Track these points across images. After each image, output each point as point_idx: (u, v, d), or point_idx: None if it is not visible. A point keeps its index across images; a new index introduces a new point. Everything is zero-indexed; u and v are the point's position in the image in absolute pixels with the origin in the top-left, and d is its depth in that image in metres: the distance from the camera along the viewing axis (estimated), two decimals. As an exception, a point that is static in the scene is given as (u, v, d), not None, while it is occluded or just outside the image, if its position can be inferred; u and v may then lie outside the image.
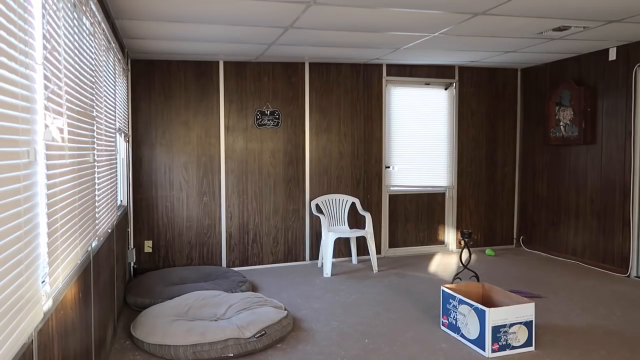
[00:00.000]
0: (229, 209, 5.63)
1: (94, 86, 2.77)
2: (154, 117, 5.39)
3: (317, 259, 5.86)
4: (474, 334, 3.36)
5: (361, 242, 5.84)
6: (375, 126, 6.07)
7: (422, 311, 4.12)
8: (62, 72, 1.97)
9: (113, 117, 3.77)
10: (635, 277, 5.01)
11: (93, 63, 2.77)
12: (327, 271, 5.27)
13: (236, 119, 5.62)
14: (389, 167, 6.17)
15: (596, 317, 3.94)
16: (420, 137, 6.27)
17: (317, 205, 5.80)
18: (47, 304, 1.69)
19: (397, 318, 3.97)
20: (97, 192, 2.85)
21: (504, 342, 3.28)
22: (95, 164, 2.81)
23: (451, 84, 6.31)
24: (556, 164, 6.00)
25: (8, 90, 1.33)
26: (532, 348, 3.34)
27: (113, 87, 3.79)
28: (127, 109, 5.10)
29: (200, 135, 5.53)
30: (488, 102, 6.45)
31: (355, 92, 5.99)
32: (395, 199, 6.22)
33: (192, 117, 5.50)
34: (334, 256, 5.70)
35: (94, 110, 2.78)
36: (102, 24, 3.16)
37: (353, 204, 5.88)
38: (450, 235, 6.42)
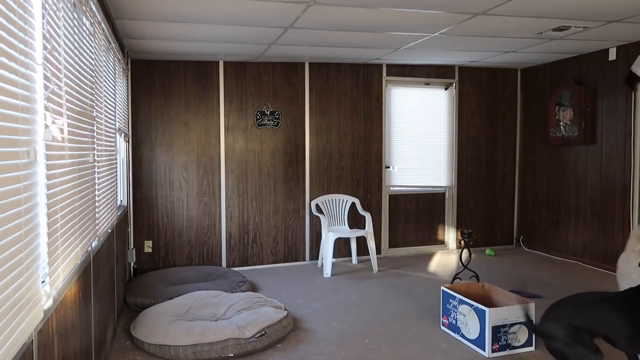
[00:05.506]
0: (229, 209, 5.63)
1: (94, 86, 2.77)
2: (154, 117, 5.39)
3: (317, 259, 5.86)
4: (474, 334, 3.36)
5: (361, 242, 5.84)
6: (375, 126, 6.07)
7: (422, 311, 4.12)
8: (62, 72, 1.97)
9: (113, 117, 3.77)
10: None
11: (93, 63, 2.77)
12: (327, 271, 5.26)
13: (236, 119, 5.62)
14: (389, 167, 6.17)
15: (596, 317, 3.93)
16: (420, 137, 6.26)
17: (317, 205, 5.80)
18: (47, 304, 1.69)
19: (397, 318, 3.97)
20: (97, 192, 2.85)
21: (504, 342, 3.28)
22: (95, 164, 2.81)
23: (451, 84, 6.31)
24: (556, 164, 6.00)
25: (8, 90, 1.33)
26: (532, 348, 3.34)
27: (113, 87, 3.79)
28: (127, 109, 5.10)
29: (200, 135, 5.53)
30: (488, 102, 6.45)
31: (355, 92, 5.99)
32: (395, 199, 6.22)
33: (192, 117, 5.50)
34: (334, 256, 5.70)
35: (94, 110, 2.78)
36: (102, 24, 3.16)
37: (353, 204, 5.88)
38: (450, 235, 6.42)
